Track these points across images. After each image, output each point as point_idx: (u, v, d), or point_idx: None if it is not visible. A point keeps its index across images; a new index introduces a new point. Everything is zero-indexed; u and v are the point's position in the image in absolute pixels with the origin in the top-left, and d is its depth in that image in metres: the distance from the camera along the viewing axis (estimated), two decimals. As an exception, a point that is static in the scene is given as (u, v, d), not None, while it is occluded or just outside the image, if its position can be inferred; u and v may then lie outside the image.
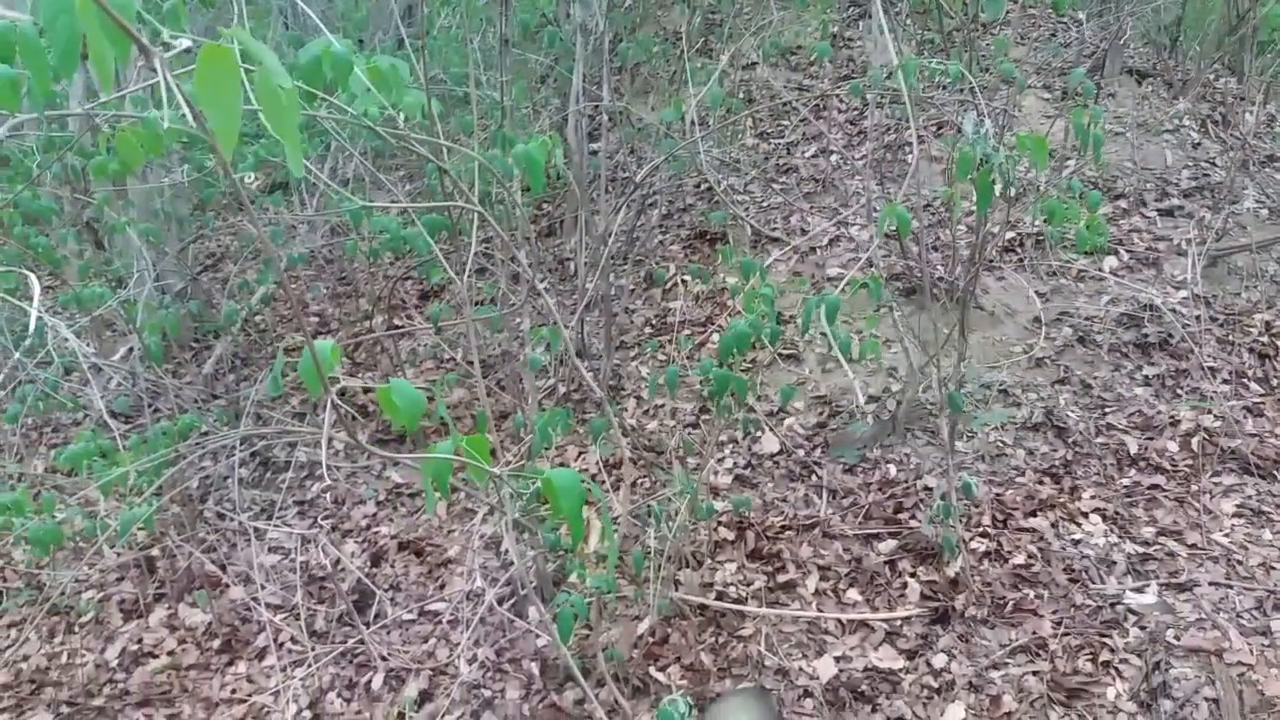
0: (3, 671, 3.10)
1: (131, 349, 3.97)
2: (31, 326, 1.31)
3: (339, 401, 0.90)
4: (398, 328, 4.41)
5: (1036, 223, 4.20)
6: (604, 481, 3.34)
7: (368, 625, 2.90)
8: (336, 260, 4.84)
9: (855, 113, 5.15)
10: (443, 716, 2.54)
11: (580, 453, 3.62)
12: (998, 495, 3.07)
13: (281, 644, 2.94)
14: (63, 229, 3.97)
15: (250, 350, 4.45)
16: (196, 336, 4.60)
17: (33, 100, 1.25)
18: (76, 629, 3.24)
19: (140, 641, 3.14)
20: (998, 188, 2.36)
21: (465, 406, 4.06)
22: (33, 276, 1.45)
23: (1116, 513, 2.98)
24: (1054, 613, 2.65)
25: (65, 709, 2.95)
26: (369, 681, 2.79)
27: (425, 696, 2.68)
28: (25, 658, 3.17)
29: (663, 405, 3.71)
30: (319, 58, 1.60)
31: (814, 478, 3.22)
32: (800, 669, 2.57)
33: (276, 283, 4.08)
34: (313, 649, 2.87)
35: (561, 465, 3.63)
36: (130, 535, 3.31)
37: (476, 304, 3.65)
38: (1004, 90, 3.50)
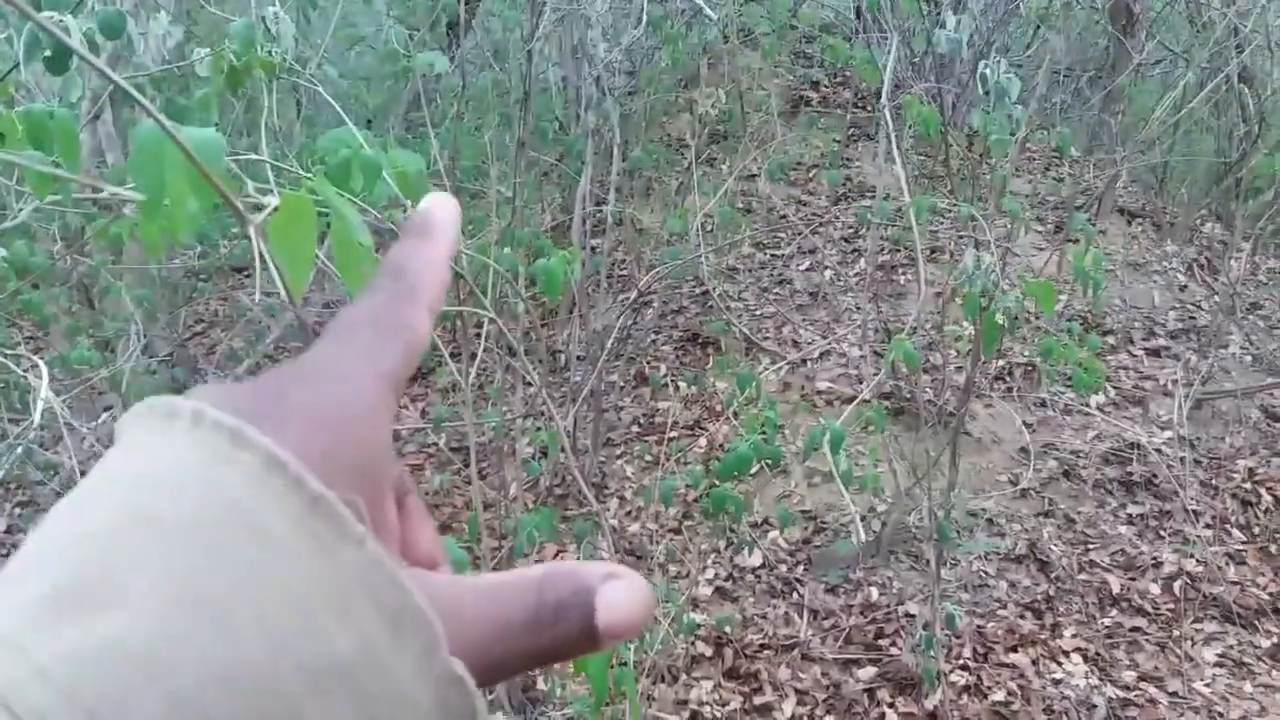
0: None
1: (110, 409, 3.92)
2: (36, 419, 1.29)
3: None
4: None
5: (1026, 353, 4.26)
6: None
7: None
8: (307, 330, 4.83)
9: (851, 230, 5.25)
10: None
11: (559, 552, 3.57)
12: (979, 627, 3.04)
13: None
14: (55, 286, 3.95)
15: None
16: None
17: (62, 189, 1.25)
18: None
19: None
20: (1001, 322, 2.40)
21: (444, 495, 4.01)
22: (43, 365, 1.43)
23: (1098, 653, 2.95)
24: (1033, 756, 2.61)
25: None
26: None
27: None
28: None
29: (645, 508, 3.68)
30: (349, 160, 1.62)
31: (795, 595, 3.18)
32: (773, 799, 2.50)
33: (266, 355, 4.06)
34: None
35: (539, 564, 3.58)
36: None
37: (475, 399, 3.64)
38: (1003, 222, 3.58)
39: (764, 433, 2.23)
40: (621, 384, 4.49)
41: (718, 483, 2.28)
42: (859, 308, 4.48)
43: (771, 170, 4.53)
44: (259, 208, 0.57)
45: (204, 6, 4.37)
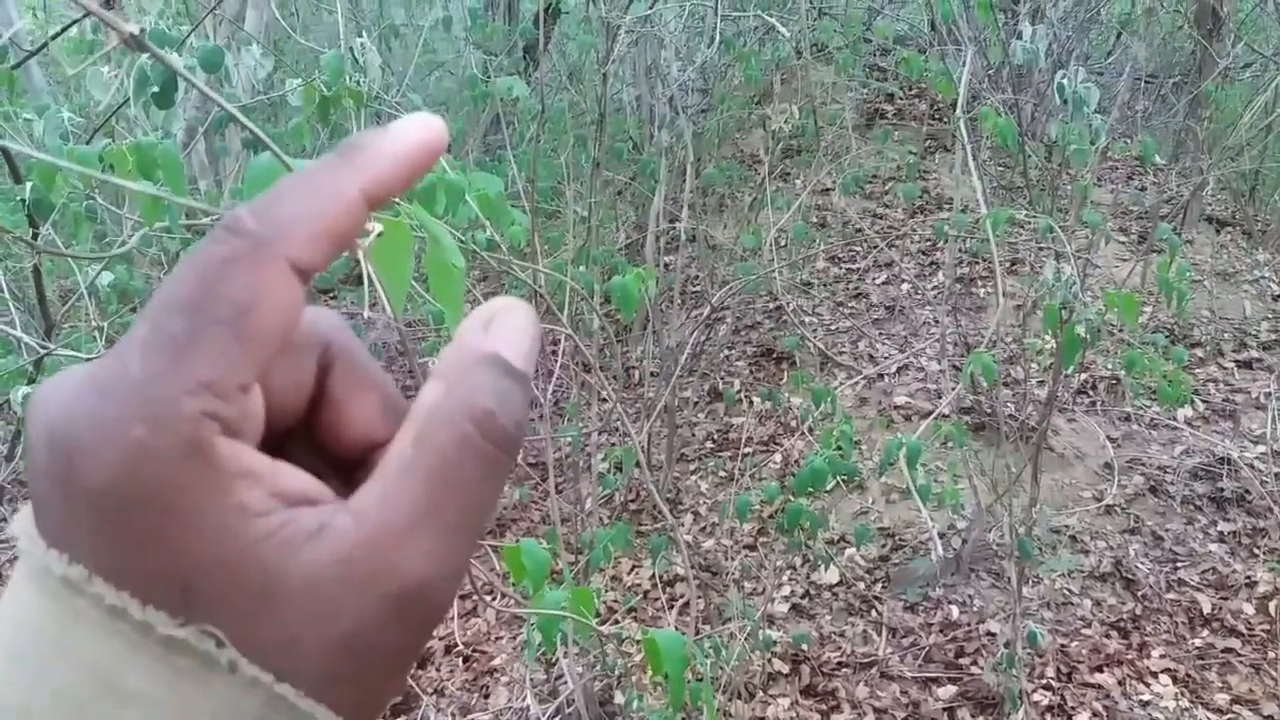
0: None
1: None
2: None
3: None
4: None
5: (1110, 366, 4.17)
6: (658, 599, 3.31)
7: (414, 729, 2.88)
8: (409, 354, 4.95)
9: (928, 243, 5.20)
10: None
11: (634, 566, 3.60)
12: (1063, 646, 2.98)
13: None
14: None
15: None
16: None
17: (170, 215, 1.33)
18: None
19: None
20: (1082, 335, 2.36)
21: (520, 509, 4.07)
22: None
23: (1188, 675, 2.87)
24: (1121, 779, 2.54)
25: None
26: (410, 789, 2.76)
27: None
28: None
29: (720, 524, 3.69)
30: (434, 185, 1.69)
31: (874, 613, 3.16)
32: (852, 816, 2.49)
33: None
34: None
35: (614, 579, 3.62)
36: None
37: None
38: (1083, 233, 3.52)
39: (839, 447, 2.24)
40: (695, 400, 4.51)
41: (793, 498, 2.28)
42: (937, 321, 4.43)
43: (846, 184, 4.52)
44: (363, 233, 0.61)
45: (291, 37, 4.55)
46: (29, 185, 1.52)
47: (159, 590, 0.22)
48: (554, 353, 3.86)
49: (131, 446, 0.21)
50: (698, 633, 2.61)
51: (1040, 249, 4.38)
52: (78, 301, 2.11)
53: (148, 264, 4.07)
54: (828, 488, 3.70)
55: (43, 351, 1.50)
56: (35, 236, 1.42)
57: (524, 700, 2.67)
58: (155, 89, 1.50)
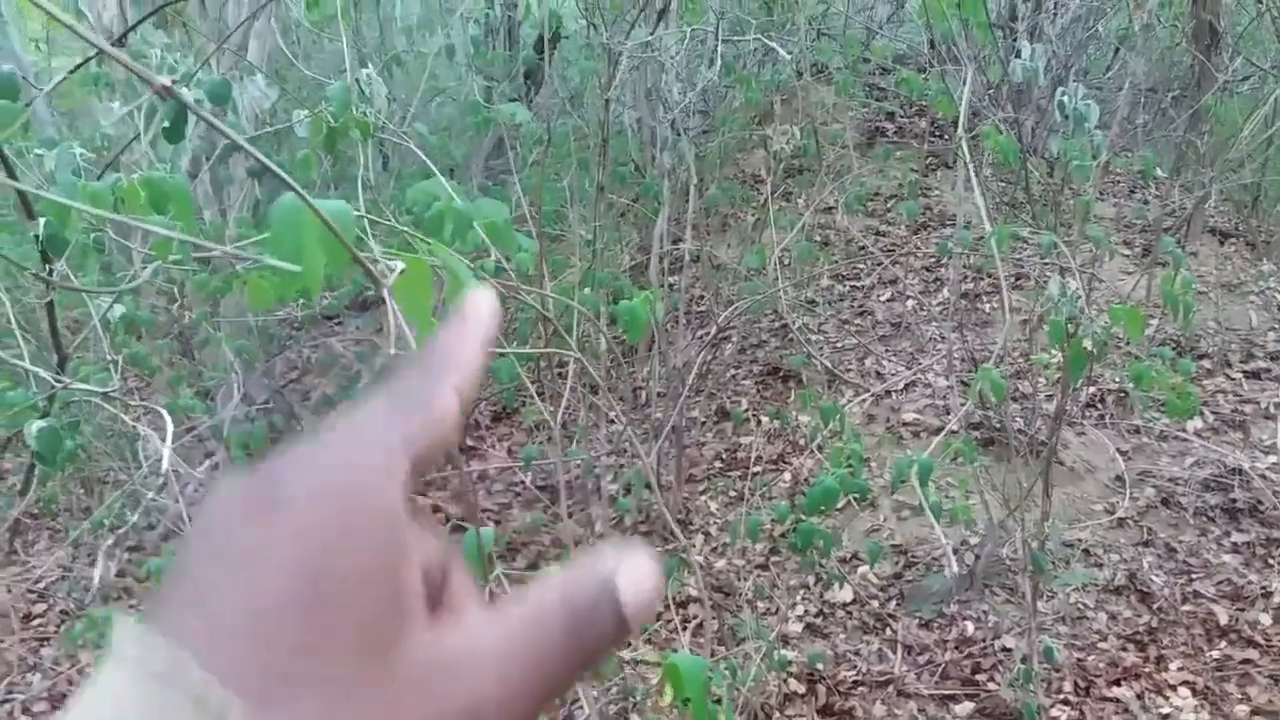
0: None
1: (212, 457, 4.08)
2: (164, 465, 1.38)
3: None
4: (472, 448, 4.47)
5: (1118, 379, 4.16)
6: (672, 620, 3.30)
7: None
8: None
9: (932, 260, 5.20)
10: None
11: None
12: (1079, 660, 2.96)
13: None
14: (159, 339, 4.14)
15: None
16: (275, 449, 4.71)
17: (183, 251, 1.34)
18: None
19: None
20: (1089, 350, 2.36)
21: (531, 533, 4.06)
22: (166, 415, 1.53)
23: (1207, 687, 2.85)
24: (1142, 795, 2.52)
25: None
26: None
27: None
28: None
29: (731, 544, 3.68)
30: (442, 213, 1.70)
31: (888, 631, 3.14)
32: (872, 838, 2.47)
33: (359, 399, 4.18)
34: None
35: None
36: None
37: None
38: (1087, 247, 3.53)
39: (849, 466, 2.23)
40: (703, 420, 4.51)
41: (804, 517, 2.28)
42: (943, 337, 4.43)
43: (849, 202, 4.53)
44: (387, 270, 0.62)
45: (293, 65, 4.58)
46: (42, 221, 1.54)
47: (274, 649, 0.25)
48: (561, 375, 3.86)
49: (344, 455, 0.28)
50: (713, 654, 2.60)
51: (1044, 264, 4.38)
52: (88, 334, 2.12)
53: (154, 294, 4.10)
54: (839, 506, 3.70)
55: (57, 386, 1.50)
56: (50, 272, 1.42)
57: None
58: (166, 124, 1.51)
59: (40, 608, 3.91)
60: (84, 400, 2.73)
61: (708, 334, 4.18)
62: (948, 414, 3.83)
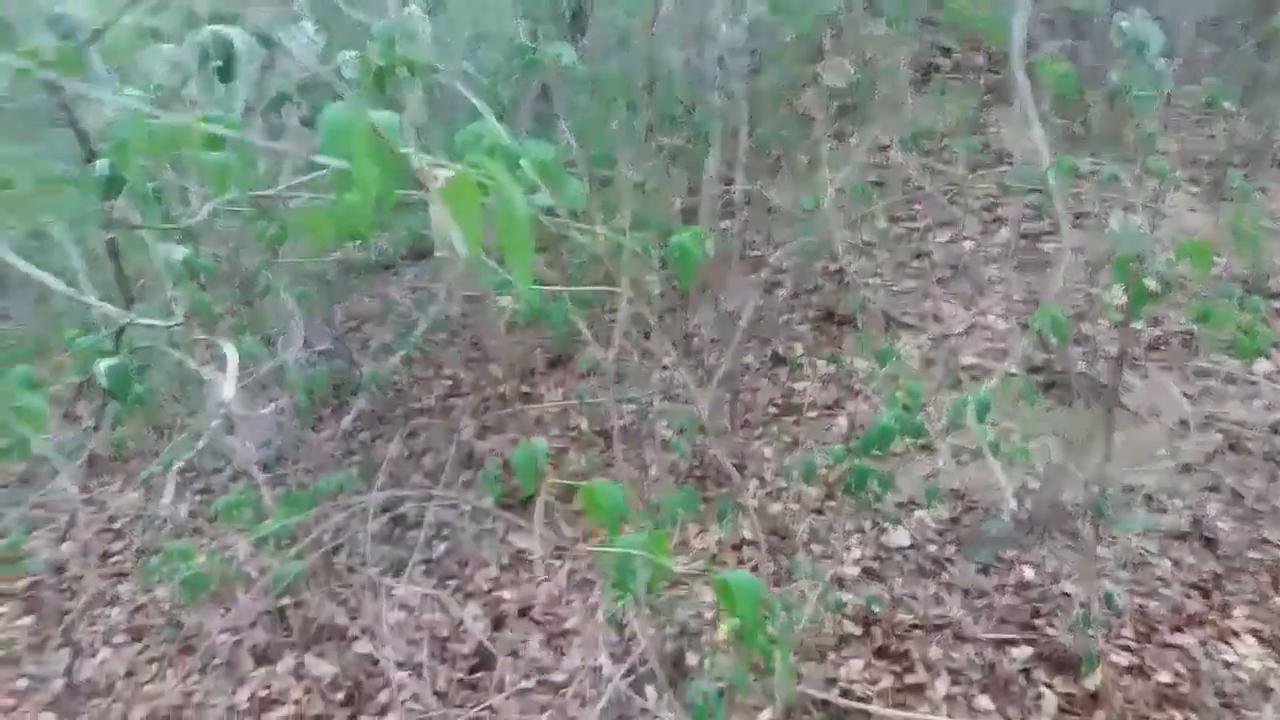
0: (143, 707, 3.24)
1: (276, 403, 4.16)
2: (227, 393, 1.40)
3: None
4: (527, 394, 4.50)
5: (1183, 320, 4.04)
6: (726, 563, 3.31)
7: (489, 690, 2.93)
8: (470, 327, 4.99)
9: (991, 199, 5.08)
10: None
11: (700, 531, 3.60)
12: (1141, 607, 2.92)
13: (404, 701, 2.99)
14: (221, 289, 4.20)
15: (386, 409, 4.60)
16: (336, 394, 4.78)
17: (240, 182, 1.35)
18: (209, 671, 3.36)
19: (269, 688, 3.23)
20: (1153, 288, 2.29)
21: (583, 476, 4.08)
22: (230, 347, 1.55)
23: (1274, 635, 2.79)
24: (1205, 739, 2.49)
25: (196, 750, 3.06)
26: (488, 748, 2.82)
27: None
28: (161, 695, 3.30)
29: (786, 488, 3.67)
30: (491, 150, 1.68)
31: (945, 575, 3.12)
32: (928, 776, 2.48)
33: (416, 347, 4.23)
34: (436, 710, 2.92)
35: (682, 544, 3.63)
36: (265, 587, 3.44)
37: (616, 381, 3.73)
38: (1151, 183, 3.41)
39: (906, 407, 2.20)
40: (756, 366, 4.48)
41: (859, 460, 2.26)
42: (1003, 278, 4.34)
43: (904, 140, 4.42)
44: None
45: (339, 10, 4.56)
46: (102, 162, 1.55)
47: None
48: (613, 320, 3.85)
49: None
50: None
51: (1105, 200, 4.25)
52: (151, 281, 2.15)
53: (213, 241, 4.15)
54: (896, 451, 3.66)
55: (124, 320, 1.53)
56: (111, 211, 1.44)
57: (598, 659, 2.70)
58: (219, 63, 1.51)
59: (117, 545, 4.06)
60: (150, 347, 2.79)
61: (761, 277, 4.14)
62: (1008, 357, 3.77)
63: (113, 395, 1.75)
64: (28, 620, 3.76)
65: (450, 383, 4.84)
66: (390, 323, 4.98)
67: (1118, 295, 3.71)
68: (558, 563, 3.52)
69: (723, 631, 2.77)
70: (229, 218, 3.82)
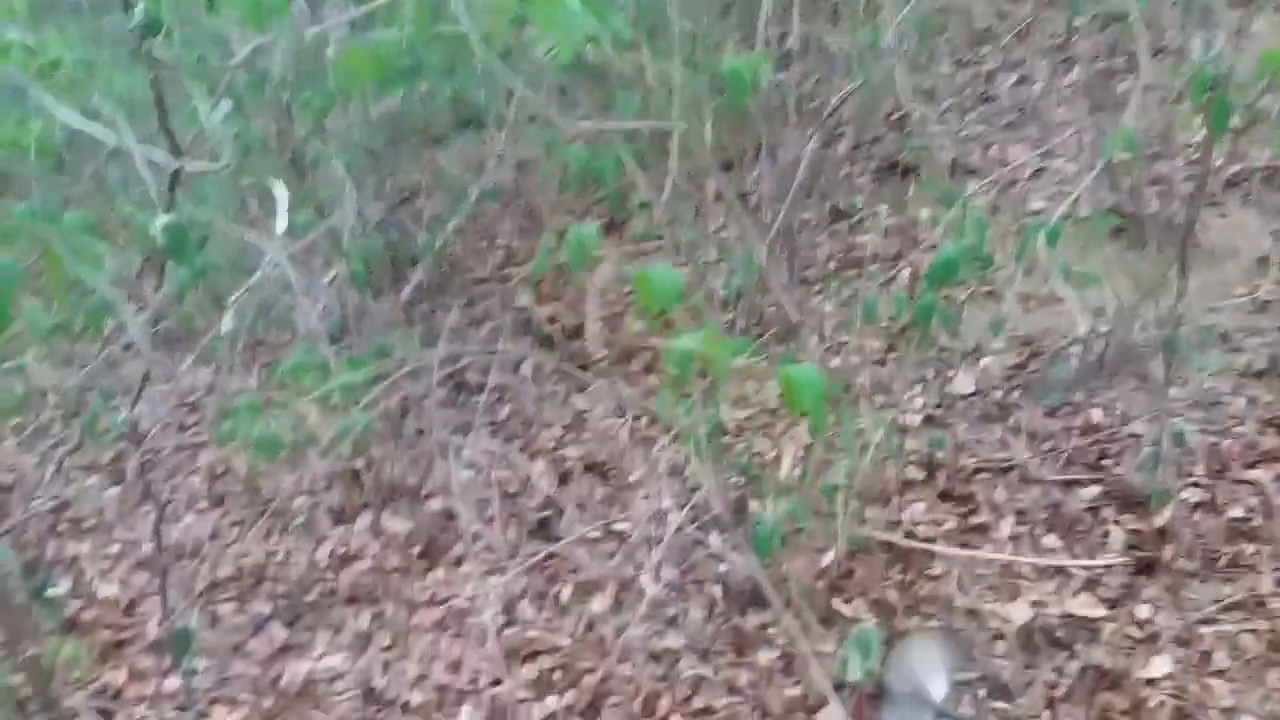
0: (228, 565, 3.40)
1: (336, 275, 4.19)
2: (280, 227, 1.40)
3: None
4: (582, 259, 4.47)
5: (1266, 156, 3.84)
6: (786, 416, 3.32)
7: (557, 540, 3.01)
8: (523, 195, 4.95)
9: (1060, 39, 4.82)
10: (629, 630, 2.62)
11: (759, 388, 3.60)
12: (1213, 444, 2.86)
13: (477, 553, 3.09)
14: (270, 160, 4.19)
15: (443, 280, 4.62)
16: (393, 266, 4.80)
17: (279, 14, 1.31)
18: (290, 531, 3.50)
19: (347, 545, 3.36)
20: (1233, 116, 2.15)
21: (640, 338, 4.09)
22: (281, 184, 1.54)
23: (1352, 467, 2.73)
24: (1275, 570, 2.47)
25: (281, 602, 3.21)
26: (559, 593, 2.91)
27: (612, 610, 2.78)
28: (245, 554, 3.45)
29: (846, 342, 3.63)
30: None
31: (1011, 420, 3.09)
32: (993, 612, 2.50)
33: (470, 216, 4.21)
34: (507, 560, 3.02)
35: (740, 399, 3.63)
36: (337, 448, 3.53)
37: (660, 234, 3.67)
38: (1233, 10, 3.19)
39: (973, 241, 2.14)
40: (815, 222, 4.39)
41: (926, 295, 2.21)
42: (1074, 120, 4.14)
43: (971, -24, 4.18)
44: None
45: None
46: (139, 6, 1.52)
47: None
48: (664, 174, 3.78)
49: None
50: (830, 437, 2.61)
51: (1184, 27, 4.00)
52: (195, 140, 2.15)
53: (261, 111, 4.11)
54: (961, 298, 3.58)
55: (173, 167, 1.52)
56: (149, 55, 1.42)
57: (662, 504, 2.75)
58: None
59: (193, 418, 4.20)
60: (204, 222, 2.80)
61: (819, 127, 4.00)
62: (1076, 196, 3.62)
63: (172, 255, 1.76)
64: (115, 490, 3.93)
65: (504, 253, 4.83)
66: (441, 193, 4.95)
67: (1197, 131, 3.52)
68: (620, 420, 3.56)
69: (783, 468, 2.79)
70: (274, 89, 3.79)
